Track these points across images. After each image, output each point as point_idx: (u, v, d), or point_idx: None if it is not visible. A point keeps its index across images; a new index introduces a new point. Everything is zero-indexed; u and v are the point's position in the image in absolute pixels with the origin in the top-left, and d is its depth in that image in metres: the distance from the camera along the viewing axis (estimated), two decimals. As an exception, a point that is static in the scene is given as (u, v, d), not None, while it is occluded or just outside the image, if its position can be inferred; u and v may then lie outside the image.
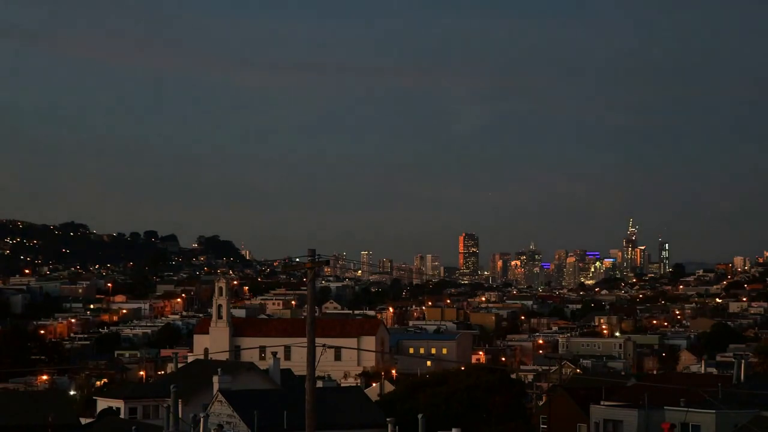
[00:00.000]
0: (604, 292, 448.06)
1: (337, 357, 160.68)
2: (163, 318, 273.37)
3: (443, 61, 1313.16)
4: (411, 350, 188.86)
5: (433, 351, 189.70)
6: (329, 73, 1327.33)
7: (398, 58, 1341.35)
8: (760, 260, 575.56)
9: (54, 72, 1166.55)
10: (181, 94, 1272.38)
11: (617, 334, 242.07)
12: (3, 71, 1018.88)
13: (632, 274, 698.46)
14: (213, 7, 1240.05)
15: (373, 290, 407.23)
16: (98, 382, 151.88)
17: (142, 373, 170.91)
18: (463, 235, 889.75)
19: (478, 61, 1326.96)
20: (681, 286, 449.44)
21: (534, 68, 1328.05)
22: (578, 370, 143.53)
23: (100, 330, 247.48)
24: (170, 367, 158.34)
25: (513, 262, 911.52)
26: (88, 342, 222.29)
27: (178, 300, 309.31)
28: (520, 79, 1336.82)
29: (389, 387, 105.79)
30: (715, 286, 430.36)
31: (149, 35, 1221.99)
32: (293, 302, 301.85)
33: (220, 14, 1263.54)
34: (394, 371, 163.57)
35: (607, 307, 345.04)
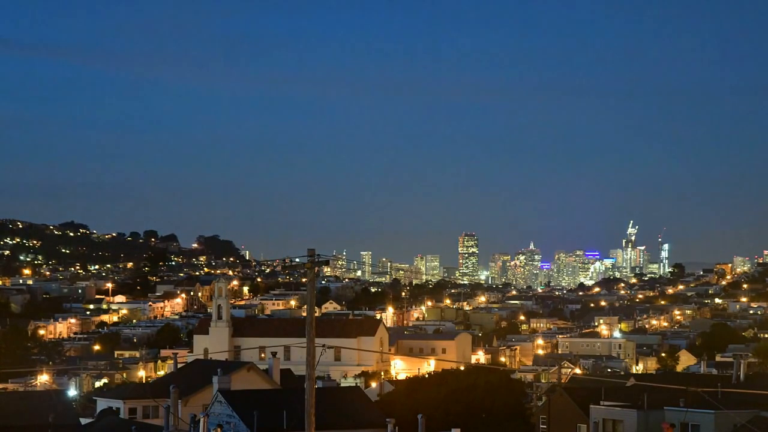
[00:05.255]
0: (603, 292, 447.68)
1: (337, 357, 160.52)
2: (162, 318, 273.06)
3: (445, 69, 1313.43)
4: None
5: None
6: (336, 80, 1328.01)
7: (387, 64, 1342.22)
8: (760, 260, 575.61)
9: (58, 80, 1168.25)
10: (180, 99, 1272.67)
11: (617, 334, 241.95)
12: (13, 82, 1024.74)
13: (632, 275, 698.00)
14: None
15: (372, 290, 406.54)
16: (98, 382, 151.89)
17: (141, 373, 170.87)
18: (463, 235, 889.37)
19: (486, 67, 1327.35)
20: (680, 286, 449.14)
21: (535, 71, 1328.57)
22: (577, 370, 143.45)
23: (100, 330, 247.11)
24: (165, 367, 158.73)
25: (512, 262, 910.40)
26: (88, 342, 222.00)
27: (178, 300, 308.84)
28: (523, 82, 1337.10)
29: (389, 387, 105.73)
30: (714, 287, 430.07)
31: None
32: (293, 302, 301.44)
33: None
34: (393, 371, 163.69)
35: (607, 307, 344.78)
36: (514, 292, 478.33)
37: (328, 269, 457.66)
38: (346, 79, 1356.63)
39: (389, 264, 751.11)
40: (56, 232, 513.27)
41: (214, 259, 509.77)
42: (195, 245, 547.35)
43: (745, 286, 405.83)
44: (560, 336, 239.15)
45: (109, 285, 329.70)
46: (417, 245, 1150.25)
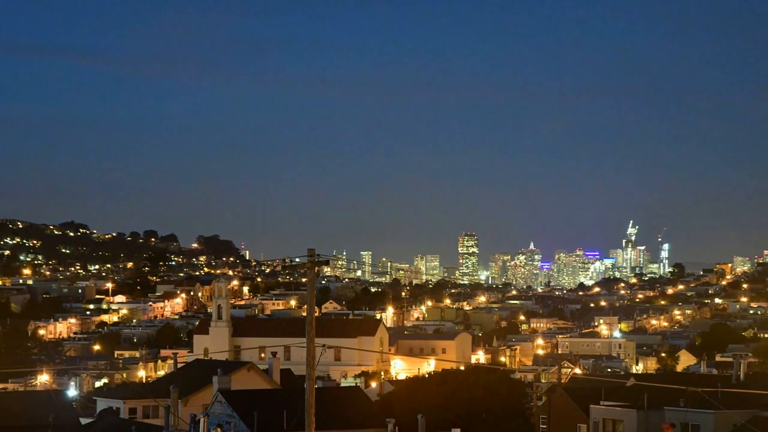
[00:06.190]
0: (603, 292, 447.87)
1: (337, 357, 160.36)
2: (163, 318, 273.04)
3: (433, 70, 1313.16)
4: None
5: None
6: (336, 81, 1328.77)
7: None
8: (760, 260, 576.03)
9: (58, 81, 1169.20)
10: (181, 99, 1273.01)
11: (617, 334, 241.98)
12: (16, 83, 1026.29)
13: (632, 275, 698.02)
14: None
15: (372, 290, 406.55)
16: (98, 382, 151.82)
17: (141, 373, 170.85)
18: (463, 235, 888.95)
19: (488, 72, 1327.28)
20: (681, 286, 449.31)
21: (535, 71, 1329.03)
22: (577, 370, 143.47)
23: (100, 330, 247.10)
24: (165, 367, 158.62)
25: (512, 262, 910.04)
26: (88, 342, 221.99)
27: (178, 300, 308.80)
28: (523, 82, 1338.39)
29: (389, 387, 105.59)
30: (714, 287, 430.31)
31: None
32: (293, 302, 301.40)
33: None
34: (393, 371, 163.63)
35: (607, 307, 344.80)
36: (514, 292, 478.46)
37: (328, 269, 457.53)
38: (346, 79, 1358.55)
39: (389, 264, 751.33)
40: (56, 232, 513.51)
41: (214, 259, 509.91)
42: (195, 245, 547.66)
43: (745, 286, 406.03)
44: (560, 336, 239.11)
45: (109, 285, 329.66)
46: (417, 245, 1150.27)
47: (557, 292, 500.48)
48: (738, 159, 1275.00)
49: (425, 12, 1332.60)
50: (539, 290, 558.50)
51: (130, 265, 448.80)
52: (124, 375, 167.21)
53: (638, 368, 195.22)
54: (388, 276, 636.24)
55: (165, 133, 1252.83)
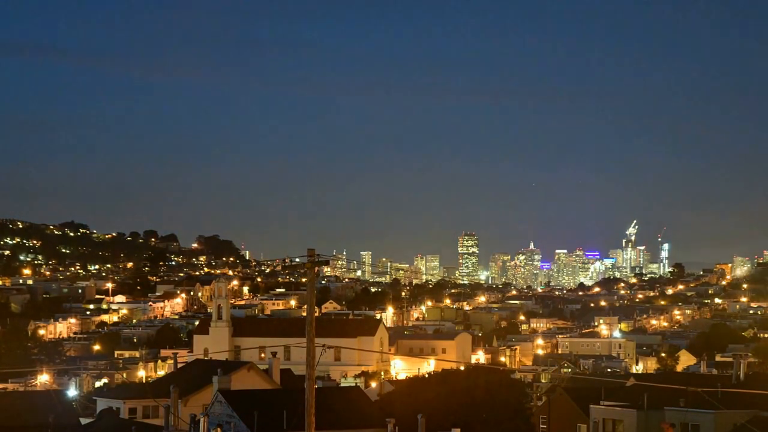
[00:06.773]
0: (603, 292, 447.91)
1: (337, 357, 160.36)
2: (163, 318, 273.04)
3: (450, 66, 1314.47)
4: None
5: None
6: (336, 81, 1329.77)
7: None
8: (760, 260, 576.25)
9: (58, 81, 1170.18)
10: (181, 99, 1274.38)
11: (617, 334, 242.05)
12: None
13: (632, 275, 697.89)
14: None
15: (372, 290, 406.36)
16: (98, 382, 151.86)
17: (141, 373, 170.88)
18: (463, 234, 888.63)
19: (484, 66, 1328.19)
20: (680, 286, 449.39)
21: (535, 71, 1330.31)
22: (577, 370, 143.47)
23: (100, 330, 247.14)
24: (165, 367, 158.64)
25: (512, 262, 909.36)
26: (88, 342, 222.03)
27: (178, 300, 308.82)
28: (523, 82, 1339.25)
29: (389, 387, 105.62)
30: (714, 287, 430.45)
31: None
32: (293, 302, 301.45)
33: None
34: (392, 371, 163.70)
35: (607, 307, 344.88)
36: (514, 292, 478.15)
37: (328, 269, 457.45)
38: (346, 80, 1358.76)
39: (389, 264, 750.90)
40: (56, 232, 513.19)
41: (214, 259, 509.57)
42: (195, 245, 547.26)
43: (745, 286, 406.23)
44: (560, 336, 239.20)
45: (109, 285, 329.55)
46: (417, 245, 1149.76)
47: (557, 292, 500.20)
48: (738, 159, 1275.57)
49: (426, 14, 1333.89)
50: (539, 290, 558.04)
51: (130, 265, 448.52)
52: (124, 375, 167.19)
53: (638, 368, 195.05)
54: (388, 276, 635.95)
55: (165, 134, 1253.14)
